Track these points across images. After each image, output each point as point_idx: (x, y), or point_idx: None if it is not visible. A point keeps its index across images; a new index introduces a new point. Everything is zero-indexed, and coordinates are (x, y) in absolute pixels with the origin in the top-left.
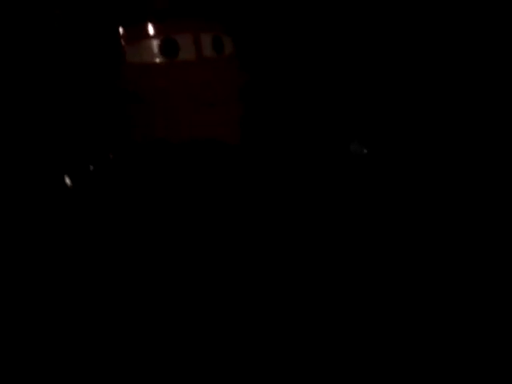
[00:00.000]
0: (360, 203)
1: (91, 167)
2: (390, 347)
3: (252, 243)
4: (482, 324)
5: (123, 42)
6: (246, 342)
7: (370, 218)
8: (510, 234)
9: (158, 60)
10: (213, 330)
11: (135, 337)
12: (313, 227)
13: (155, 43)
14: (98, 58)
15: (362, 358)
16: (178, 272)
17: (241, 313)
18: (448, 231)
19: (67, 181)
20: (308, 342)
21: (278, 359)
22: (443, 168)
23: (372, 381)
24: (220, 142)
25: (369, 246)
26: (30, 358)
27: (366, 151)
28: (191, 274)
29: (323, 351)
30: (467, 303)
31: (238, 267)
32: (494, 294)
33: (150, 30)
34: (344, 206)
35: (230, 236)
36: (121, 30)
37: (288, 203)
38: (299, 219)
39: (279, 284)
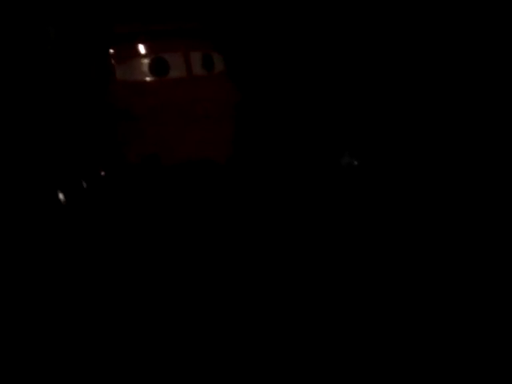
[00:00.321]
0: (352, 215)
1: (84, 184)
2: (390, 346)
3: (246, 256)
4: (481, 323)
5: (113, 61)
6: (243, 343)
7: (363, 228)
8: (509, 238)
9: (148, 78)
10: (209, 339)
11: (134, 341)
12: (305, 239)
13: (145, 62)
14: (89, 76)
15: (362, 358)
16: (166, 289)
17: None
18: (439, 239)
19: (61, 196)
20: (306, 342)
21: (278, 359)
22: (434, 177)
23: (372, 381)
24: (210, 160)
25: (361, 255)
26: (30, 357)
27: (356, 163)
28: (180, 291)
29: (322, 350)
30: (467, 303)
31: (229, 282)
32: (494, 293)
33: (140, 49)
34: (336, 218)
35: (223, 252)
36: (111, 49)
37: (281, 217)
38: (293, 232)
39: (270, 297)
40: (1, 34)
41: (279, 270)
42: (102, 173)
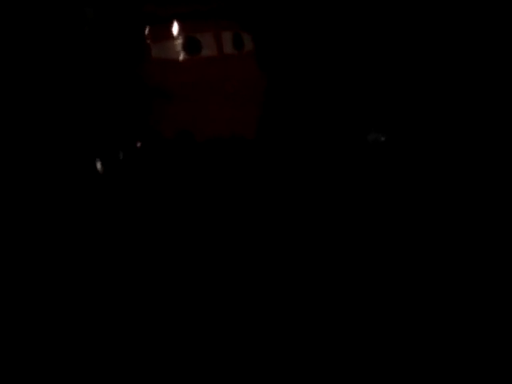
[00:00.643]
0: (378, 193)
1: (121, 155)
2: (389, 347)
3: (266, 237)
4: (482, 324)
5: (149, 40)
6: (245, 342)
7: (387, 209)
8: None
9: (181, 57)
10: (213, 328)
11: (135, 335)
12: (329, 218)
13: (179, 41)
14: (126, 54)
15: (362, 358)
16: (193, 267)
17: (243, 309)
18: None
19: (98, 166)
20: (308, 342)
21: (278, 359)
22: (463, 155)
23: (372, 381)
24: (238, 137)
25: (383, 238)
26: (29, 357)
27: (383, 139)
28: (207, 270)
29: (323, 351)
30: (467, 303)
31: (249, 262)
32: (494, 293)
33: (174, 29)
34: (362, 196)
35: (246, 230)
36: (147, 29)
37: (305, 196)
38: (317, 211)
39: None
40: (38, 16)
41: (303, 248)
42: (138, 144)
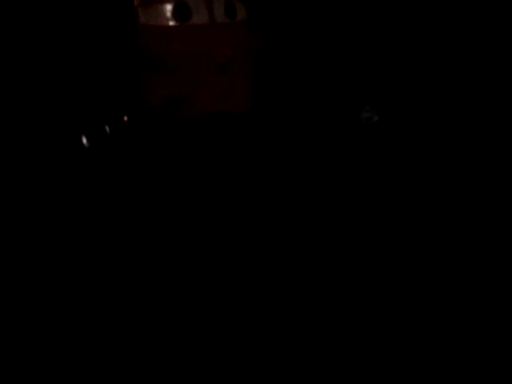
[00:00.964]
0: (372, 172)
1: (107, 128)
2: (389, 347)
3: (256, 219)
4: (482, 324)
5: (137, 4)
6: (245, 341)
7: (381, 189)
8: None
9: (170, 23)
10: (212, 324)
11: (135, 331)
12: (323, 200)
13: (168, 7)
14: (113, 20)
15: (362, 358)
16: (183, 249)
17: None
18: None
19: (84, 140)
20: (307, 341)
21: (277, 359)
22: (455, 138)
23: (372, 381)
24: (229, 109)
25: (378, 218)
26: (30, 357)
27: (377, 118)
28: (197, 253)
29: (323, 351)
30: (467, 302)
31: (246, 246)
32: (494, 293)
33: None
34: (355, 176)
35: (238, 211)
36: None
37: (300, 173)
38: (311, 191)
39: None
40: None
41: (286, 232)
42: (125, 118)
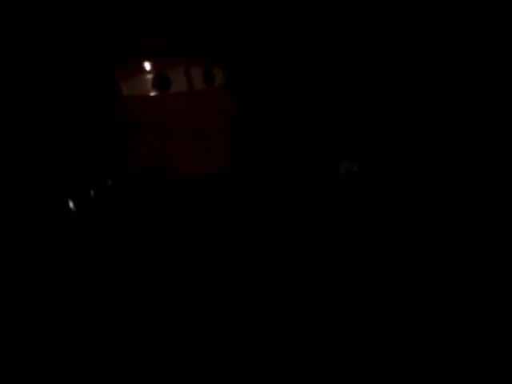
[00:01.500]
0: (353, 224)
1: (92, 193)
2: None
3: (247, 263)
4: (482, 324)
5: (119, 77)
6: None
7: (363, 237)
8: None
9: (151, 93)
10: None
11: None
12: (303, 248)
13: (148, 78)
14: (96, 91)
15: (361, 358)
16: (171, 296)
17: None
18: (442, 250)
19: (70, 204)
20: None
21: (276, 360)
22: (438, 183)
23: (372, 381)
24: (211, 170)
25: (361, 266)
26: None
27: (356, 169)
28: (179, 297)
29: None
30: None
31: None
32: (494, 294)
33: (143, 66)
34: (336, 228)
35: (226, 260)
36: (115, 65)
37: (280, 227)
38: (291, 241)
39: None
40: (8, 47)
41: (275, 278)
42: (109, 183)
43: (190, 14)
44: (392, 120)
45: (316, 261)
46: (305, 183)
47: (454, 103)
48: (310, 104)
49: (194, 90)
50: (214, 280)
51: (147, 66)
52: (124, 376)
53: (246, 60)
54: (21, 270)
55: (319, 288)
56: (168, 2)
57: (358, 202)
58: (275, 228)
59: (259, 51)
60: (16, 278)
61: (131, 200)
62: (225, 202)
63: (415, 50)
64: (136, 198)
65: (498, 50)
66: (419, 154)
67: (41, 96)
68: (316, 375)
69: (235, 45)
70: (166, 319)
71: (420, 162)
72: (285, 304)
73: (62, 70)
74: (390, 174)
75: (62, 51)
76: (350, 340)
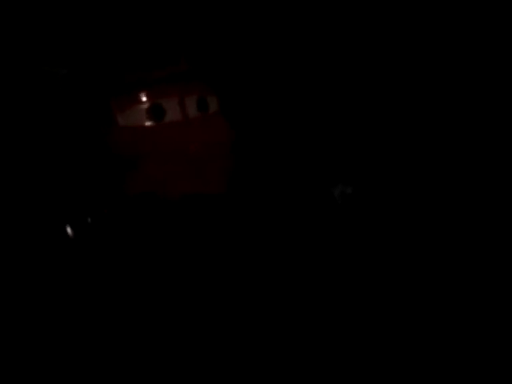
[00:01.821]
0: (348, 246)
1: (89, 220)
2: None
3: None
4: (482, 324)
5: (115, 109)
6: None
7: (360, 258)
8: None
9: (146, 123)
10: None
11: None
12: (298, 273)
13: (143, 109)
14: (93, 122)
15: (362, 359)
16: (170, 320)
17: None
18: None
19: (69, 231)
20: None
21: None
22: (433, 205)
23: (372, 381)
24: (206, 197)
25: (358, 288)
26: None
27: (350, 191)
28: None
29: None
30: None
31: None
32: (494, 295)
33: (138, 97)
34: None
35: (222, 283)
36: (113, 98)
37: (275, 250)
38: (287, 268)
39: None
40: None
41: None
42: (105, 210)
43: (184, 44)
44: (386, 142)
45: (311, 283)
46: (299, 206)
47: (446, 124)
48: (303, 129)
49: (188, 118)
50: (211, 297)
51: (142, 96)
52: (124, 377)
53: (240, 87)
54: (19, 294)
55: (313, 309)
56: (162, 32)
57: (353, 225)
58: (270, 249)
59: (251, 78)
60: (14, 303)
61: (128, 224)
62: (220, 224)
63: (406, 67)
64: (133, 222)
65: (498, 51)
66: (414, 176)
67: (40, 125)
68: (315, 375)
69: (229, 73)
70: (160, 342)
71: (414, 184)
72: (277, 324)
73: (63, 100)
74: (385, 196)
75: (65, 80)
76: (341, 344)
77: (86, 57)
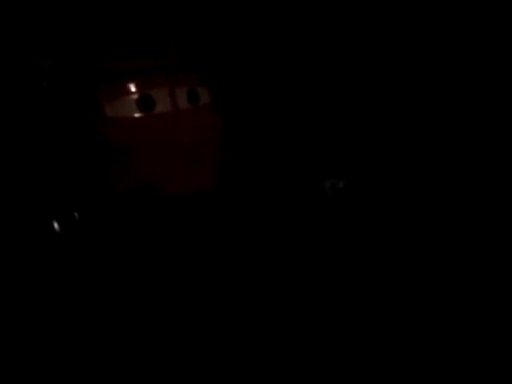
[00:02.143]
0: (340, 240)
1: (76, 214)
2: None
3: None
4: (482, 324)
5: (102, 99)
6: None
7: (352, 253)
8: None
9: (135, 114)
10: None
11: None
12: (290, 268)
13: (132, 99)
14: (82, 113)
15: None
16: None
17: None
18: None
19: (55, 226)
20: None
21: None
22: (421, 199)
23: (372, 381)
24: (199, 189)
25: (350, 285)
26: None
27: (342, 185)
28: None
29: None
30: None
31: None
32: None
33: (128, 87)
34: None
35: (214, 277)
36: (100, 88)
37: (267, 246)
38: (279, 262)
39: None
40: None
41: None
42: (92, 202)
43: (175, 34)
44: (378, 136)
45: (303, 277)
46: (291, 199)
47: (439, 122)
48: (295, 122)
49: (179, 109)
50: (203, 296)
51: (131, 87)
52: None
53: (232, 79)
54: (5, 291)
55: (306, 303)
56: (153, 22)
57: (344, 219)
58: (262, 244)
59: (245, 70)
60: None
61: (118, 221)
62: (211, 219)
63: (398, 67)
64: (123, 218)
65: (497, 53)
66: (406, 170)
67: (25, 116)
68: (315, 375)
69: (221, 64)
70: (152, 342)
71: (407, 178)
72: (271, 321)
73: (48, 90)
74: (377, 190)
75: (49, 70)
76: (332, 347)
77: (73, 45)
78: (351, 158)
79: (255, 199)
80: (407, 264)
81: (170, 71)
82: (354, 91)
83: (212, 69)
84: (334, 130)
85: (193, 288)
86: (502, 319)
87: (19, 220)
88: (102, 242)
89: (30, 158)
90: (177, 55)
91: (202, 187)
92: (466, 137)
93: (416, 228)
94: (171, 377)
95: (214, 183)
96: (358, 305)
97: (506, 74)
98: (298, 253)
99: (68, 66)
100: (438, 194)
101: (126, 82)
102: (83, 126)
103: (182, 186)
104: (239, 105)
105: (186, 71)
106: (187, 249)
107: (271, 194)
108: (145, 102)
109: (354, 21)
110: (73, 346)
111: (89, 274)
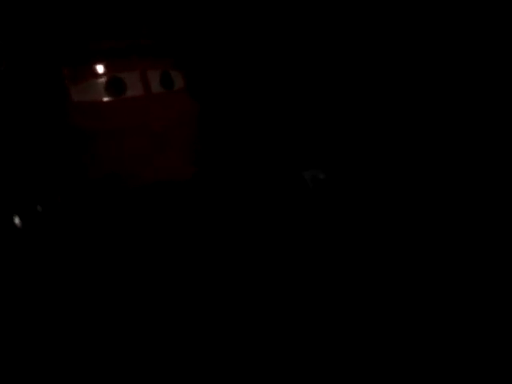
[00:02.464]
0: (320, 232)
1: (39, 207)
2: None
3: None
4: (481, 324)
5: (68, 82)
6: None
7: (334, 245)
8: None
9: (104, 98)
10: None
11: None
12: (270, 260)
13: (101, 82)
14: (44, 98)
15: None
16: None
17: None
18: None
19: (16, 221)
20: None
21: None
22: (402, 189)
23: (372, 381)
24: (173, 178)
25: (331, 277)
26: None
27: (322, 177)
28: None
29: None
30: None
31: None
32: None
33: (96, 69)
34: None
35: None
36: (65, 70)
37: (246, 236)
38: (260, 247)
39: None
40: None
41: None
42: (59, 197)
43: (149, 15)
44: (358, 126)
45: (284, 267)
46: (271, 190)
47: (423, 110)
48: (274, 110)
49: (151, 93)
50: (177, 289)
51: (99, 69)
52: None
53: (207, 64)
54: None
55: (288, 293)
56: (126, 3)
57: (325, 209)
58: (242, 235)
59: (221, 55)
60: None
61: (86, 213)
62: (188, 209)
63: (386, 62)
64: (93, 207)
65: (497, 53)
66: (387, 159)
67: None
68: (313, 375)
69: (195, 48)
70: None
71: (388, 167)
72: (255, 313)
73: (10, 74)
74: (357, 181)
75: (10, 54)
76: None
77: (37, 22)
78: (331, 149)
79: (234, 189)
80: (389, 253)
81: (142, 53)
82: (334, 82)
83: (187, 53)
84: (315, 120)
85: (165, 283)
86: (500, 317)
87: None
88: (67, 237)
89: None
90: (150, 37)
91: (176, 175)
92: (447, 125)
93: (397, 216)
94: (167, 374)
95: (189, 172)
96: (338, 293)
97: (505, 74)
98: (279, 243)
99: (29, 45)
100: (421, 185)
101: (94, 64)
102: (47, 112)
103: (154, 174)
104: (217, 92)
105: (159, 54)
106: (155, 241)
107: (250, 185)
108: (115, 86)
109: (335, 11)
110: (26, 344)
111: (52, 272)
